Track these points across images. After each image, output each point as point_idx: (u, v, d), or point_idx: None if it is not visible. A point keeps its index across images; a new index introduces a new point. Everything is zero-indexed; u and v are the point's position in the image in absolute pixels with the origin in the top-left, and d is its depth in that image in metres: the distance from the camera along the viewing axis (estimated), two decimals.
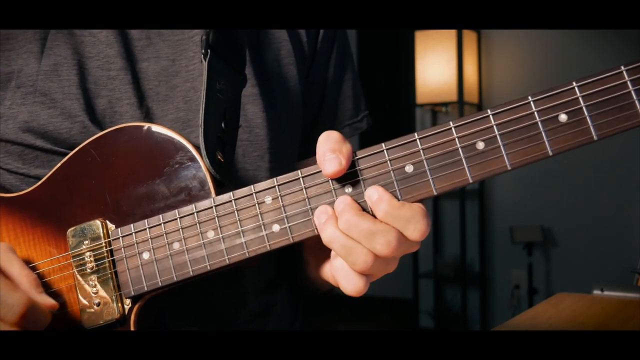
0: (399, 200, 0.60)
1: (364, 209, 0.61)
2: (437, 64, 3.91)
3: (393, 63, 4.68)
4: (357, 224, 0.59)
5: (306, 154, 0.93)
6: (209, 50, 0.76)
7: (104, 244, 0.70)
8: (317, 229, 0.62)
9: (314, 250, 0.73)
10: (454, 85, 3.86)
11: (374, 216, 0.60)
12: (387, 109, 4.41)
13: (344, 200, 0.60)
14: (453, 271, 4.13)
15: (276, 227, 0.64)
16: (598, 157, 3.72)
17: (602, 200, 3.75)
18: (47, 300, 0.67)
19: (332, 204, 0.62)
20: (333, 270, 0.62)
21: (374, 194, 0.59)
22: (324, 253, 0.68)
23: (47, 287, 0.72)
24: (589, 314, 1.02)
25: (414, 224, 0.58)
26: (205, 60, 0.75)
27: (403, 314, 4.52)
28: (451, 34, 3.87)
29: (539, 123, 0.57)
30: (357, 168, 0.62)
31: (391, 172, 0.61)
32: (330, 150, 0.60)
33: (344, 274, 0.61)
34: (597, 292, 1.13)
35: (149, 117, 0.79)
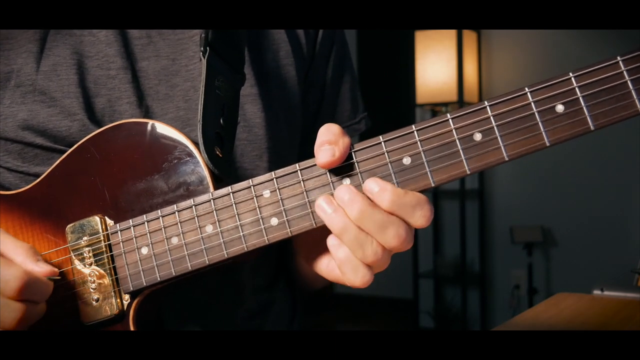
0: None
1: None
2: (437, 64, 3.91)
3: (393, 63, 4.68)
4: (371, 214, 0.58)
5: (306, 155, 0.94)
6: (207, 48, 0.76)
7: (102, 240, 0.70)
8: (315, 221, 0.62)
9: (307, 245, 0.73)
10: (454, 85, 3.86)
11: None
12: (387, 109, 4.41)
13: (350, 190, 0.59)
14: (453, 271, 4.13)
15: (274, 221, 0.64)
16: (598, 157, 3.72)
17: (602, 200, 3.75)
18: (44, 268, 0.67)
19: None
20: (338, 262, 0.60)
21: (374, 187, 0.58)
22: (318, 247, 0.67)
23: None
24: (589, 314, 1.02)
25: (420, 210, 0.58)
26: (204, 57, 0.75)
27: (403, 314, 4.52)
28: (451, 34, 3.87)
29: (536, 114, 0.57)
30: (355, 160, 0.61)
31: (389, 164, 0.61)
32: (327, 141, 0.60)
33: (352, 267, 0.60)
34: (597, 292, 1.13)
35: (148, 116, 0.80)
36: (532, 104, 0.57)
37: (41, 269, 0.67)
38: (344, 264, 0.60)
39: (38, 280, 0.66)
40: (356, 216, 0.58)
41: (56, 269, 0.68)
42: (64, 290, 0.72)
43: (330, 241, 0.61)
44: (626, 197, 3.67)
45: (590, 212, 3.79)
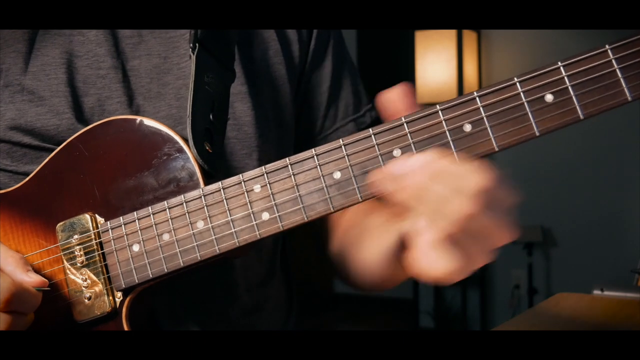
0: None
1: None
2: (437, 64, 3.91)
3: (393, 63, 4.68)
4: (446, 167, 0.53)
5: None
6: (197, 44, 0.76)
7: (93, 238, 0.70)
8: (307, 215, 0.61)
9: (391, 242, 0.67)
10: (454, 85, 3.86)
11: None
12: None
13: (426, 154, 0.55)
14: None
15: (266, 215, 0.64)
16: (598, 157, 3.72)
17: (602, 200, 3.75)
18: (34, 278, 0.67)
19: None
20: (420, 253, 0.55)
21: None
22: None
23: None
24: (589, 314, 1.02)
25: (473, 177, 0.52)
26: (193, 53, 0.76)
27: (403, 314, 4.52)
28: (451, 34, 3.87)
29: (525, 104, 0.57)
30: (345, 154, 0.61)
31: (379, 156, 0.61)
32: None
33: (435, 254, 0.54)
34: (597, 292, 1.13)
35: (139, 115, 0.79)
36: (522, 94, 0.57)
37: (31, 280, 0.66)
38: (425, 254, 0.55)
39: (27, 291, 0.65)
40: (431, 174, 0.53)
41: (46, 280, 0.68)
42: (56, 289, 0.72)
43: (420, 223, 0.55)
44: (626, 197, 3.67)
45: (590, 212, 3.79)
